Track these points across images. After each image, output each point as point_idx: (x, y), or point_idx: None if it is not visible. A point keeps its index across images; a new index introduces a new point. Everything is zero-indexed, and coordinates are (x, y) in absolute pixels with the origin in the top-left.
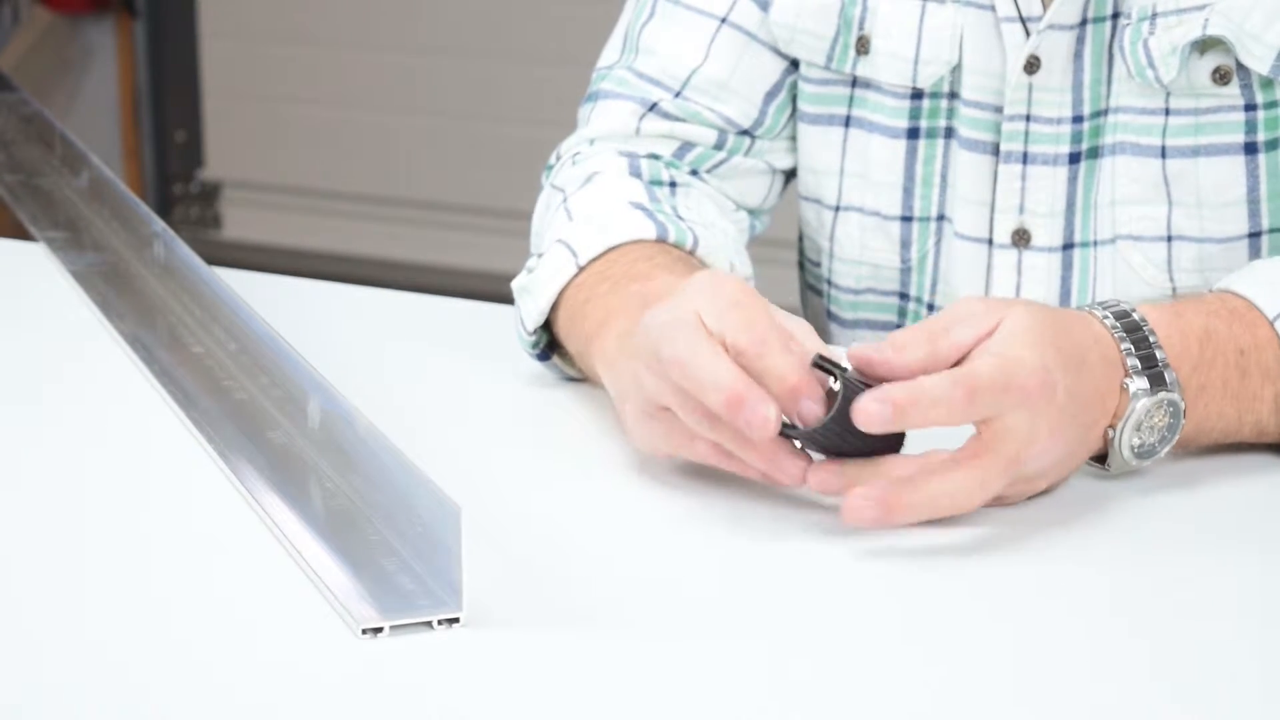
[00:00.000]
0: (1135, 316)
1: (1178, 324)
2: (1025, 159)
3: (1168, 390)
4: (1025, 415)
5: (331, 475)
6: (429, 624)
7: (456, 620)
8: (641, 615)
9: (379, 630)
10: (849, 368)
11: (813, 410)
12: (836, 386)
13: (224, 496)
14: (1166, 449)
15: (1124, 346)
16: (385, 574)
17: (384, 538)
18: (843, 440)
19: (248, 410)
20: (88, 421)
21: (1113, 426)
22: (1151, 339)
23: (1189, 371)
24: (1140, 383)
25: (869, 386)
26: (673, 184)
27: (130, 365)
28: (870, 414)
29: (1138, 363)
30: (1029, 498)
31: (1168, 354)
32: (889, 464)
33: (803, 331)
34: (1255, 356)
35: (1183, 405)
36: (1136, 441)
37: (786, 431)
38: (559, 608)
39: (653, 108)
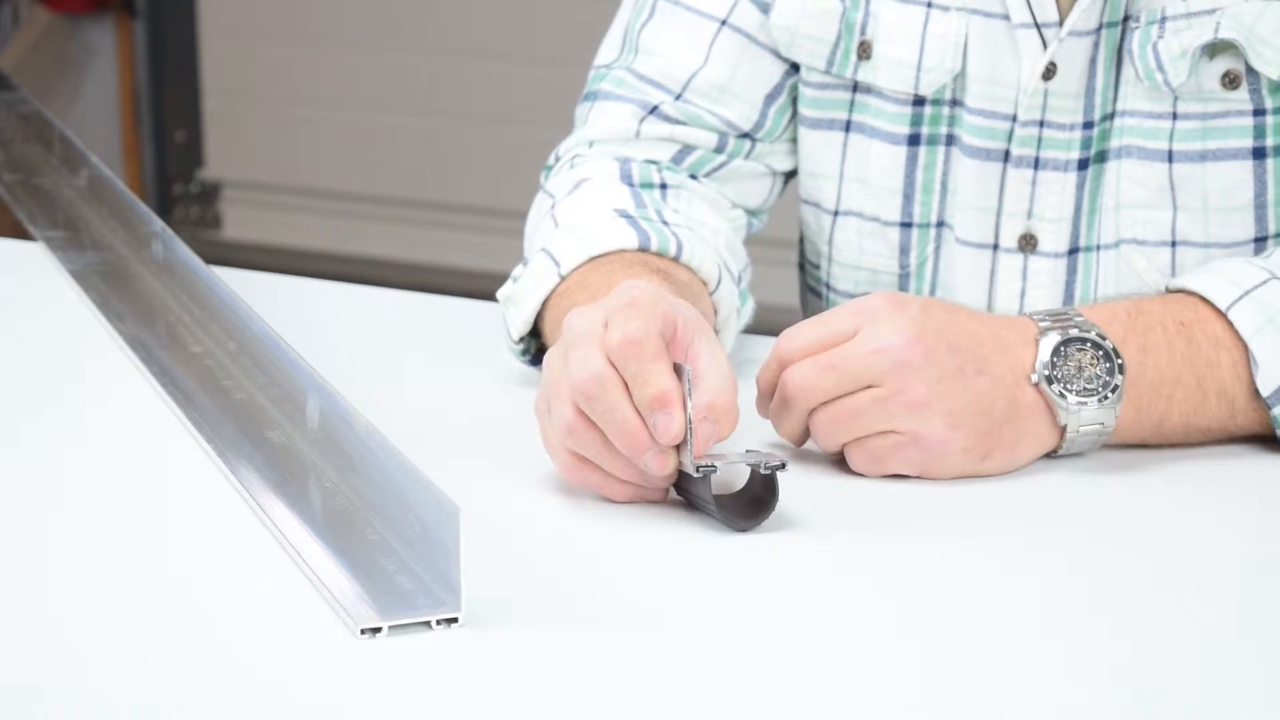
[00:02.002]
0: (1060, 307)
1: (1102, 305)
2: (1036, 164)
3: (1081, 330)
4: (866, 327)
5: (331, 475)
6: (428, 624)
7: (455, 620)
8: (640, 615)
9: (378, 630)
10: (714, 463)
11: (666, 425)
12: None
13: (223, 496)
14: (1114, 395)
15: (1036, 316)
16: (384, 574)
17: (383, 538)
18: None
19: (247, 410)
20: (86, 421)
21: (1034, 373)
22: (1068, 310)
23: (1121, 333)
24: (1053, 331)
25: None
26: (663, 185)
27: (129, 365)
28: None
29: (1049, 320)
30: (960, 462)
31: (1090, 320)
32: None
33: (710, 368)
34: (1200, 327)
35: (1110, 345)
36: (1077, 386)
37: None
38: (557, 608)
39: (653, 110)
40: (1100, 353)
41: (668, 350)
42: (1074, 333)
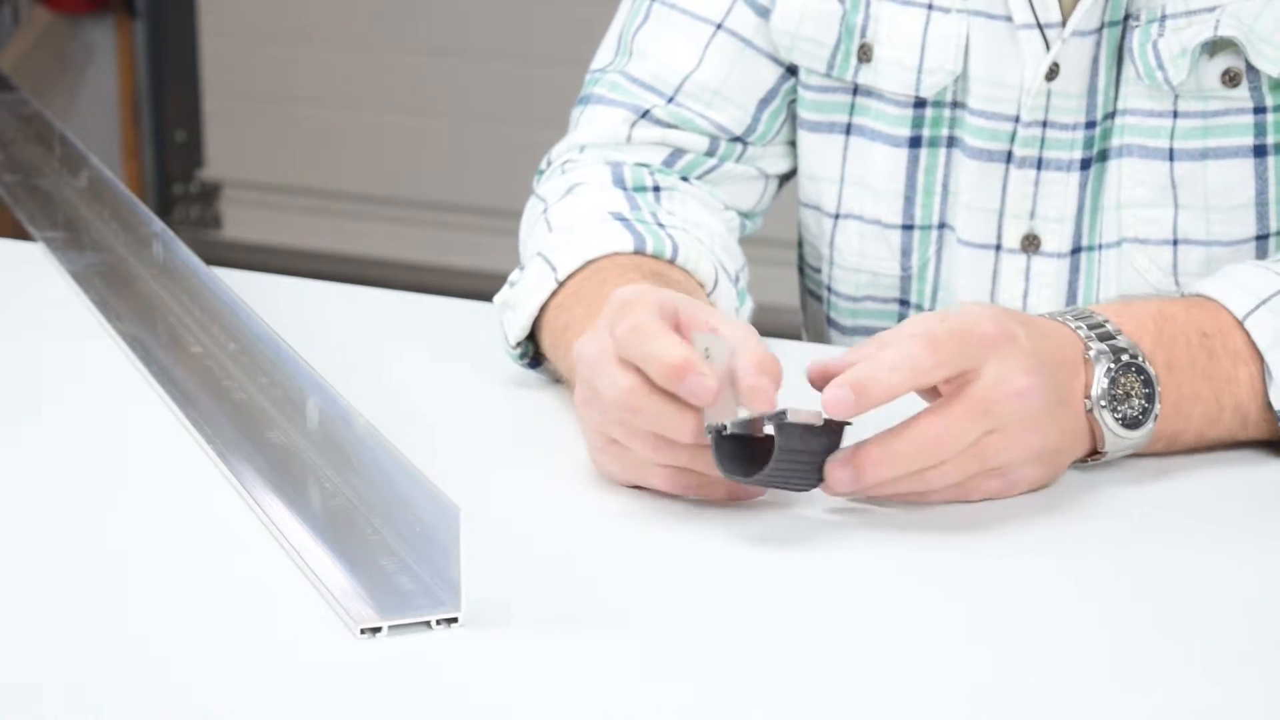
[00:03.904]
0: (1087, 309)
1: (1128, 309)
2: (1040, 164)
3: (1130, 355)
4: (993, 362)
5: (330, 475)
6: (427, 624)
7: (455, 620)
8: (640, 615)
9: (377, 630)
10: (785, 409)
11: (702, 385)
12: (770, 430)
13: (223, 497)
14: (1152, 421)
15: (1080, 331)
16: (384, 574)
17: (382, 537)
18: (791, 477)
19: (247, 410)
20: (86, 422)
21: (1088, 398)
22: (1107, 323)
23: (1150, 346)
24: (1102, 349)
25: (807, 427)
26: (656, 188)
27: (129, 365)
28: (834, 400)
29: (1095, 338)
30: (1026, 490)
31: (1124, 332)
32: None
33: (740, 333)
34: (1220, 339)
35: (1153, 372)
36: (1120, 413)
37: (733, 475)
38: (557, 607)
39: (645, 115)
40: (1143, 378)
41: (675, 331)
42: (1125, 358)
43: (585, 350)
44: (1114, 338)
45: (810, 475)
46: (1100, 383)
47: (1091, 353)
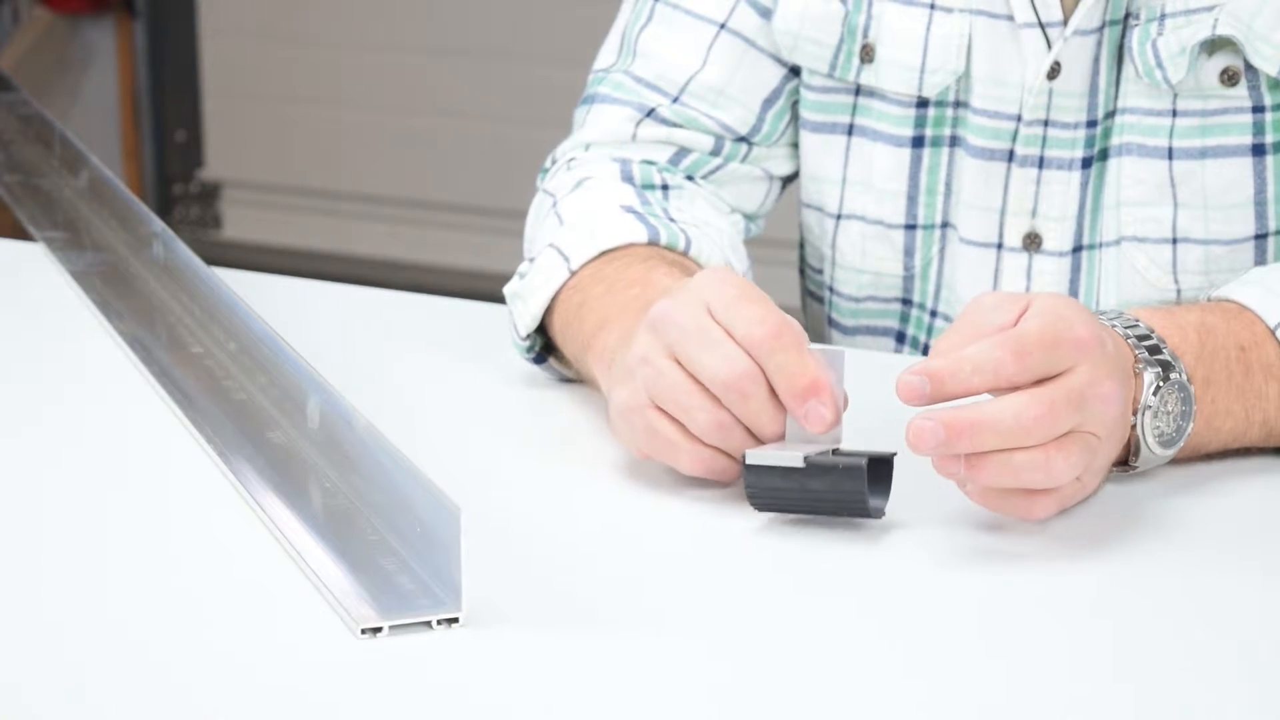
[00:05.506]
0: (1132, 316)
1: (1172, 319)
2: (1041, 163)
3: (1177, 373)
4: (1085, 364)
5: (331, 475)
6: (428, 624)
7: (456, 620)
8: (641, 614)
9: (378, 630)
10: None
11: (820, 414)
12: (800, 464)
13: (223, 497)
14: (1183, 440)
15: (1129, 339)
16: (384, 574)
17: (383, 538)
18: (810, 502)
19: (247, 410)
20: (86, 422)
21: (1134, 412)
22: (1153, 334)
23: (1192, 362)
24: (1150, 362)
25: (779, 468)
26: (665, 186)
27: (129, 365)
28: (908, 386)
29: (1144, 349)
30: (1082, 500)
31: (1169, 346)
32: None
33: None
34: (1256, 353)
35: (1193, 391)
36: (1158, 429)
37: (755, 500)
38: (558, 607)
39: (650, 113)
40: (1182, 395)
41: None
42: (1171, 375)
43: (675, 316)
44: (1160, 351)
45: (852, 503)
46: (1147, 397)
47: (1140, 365)
